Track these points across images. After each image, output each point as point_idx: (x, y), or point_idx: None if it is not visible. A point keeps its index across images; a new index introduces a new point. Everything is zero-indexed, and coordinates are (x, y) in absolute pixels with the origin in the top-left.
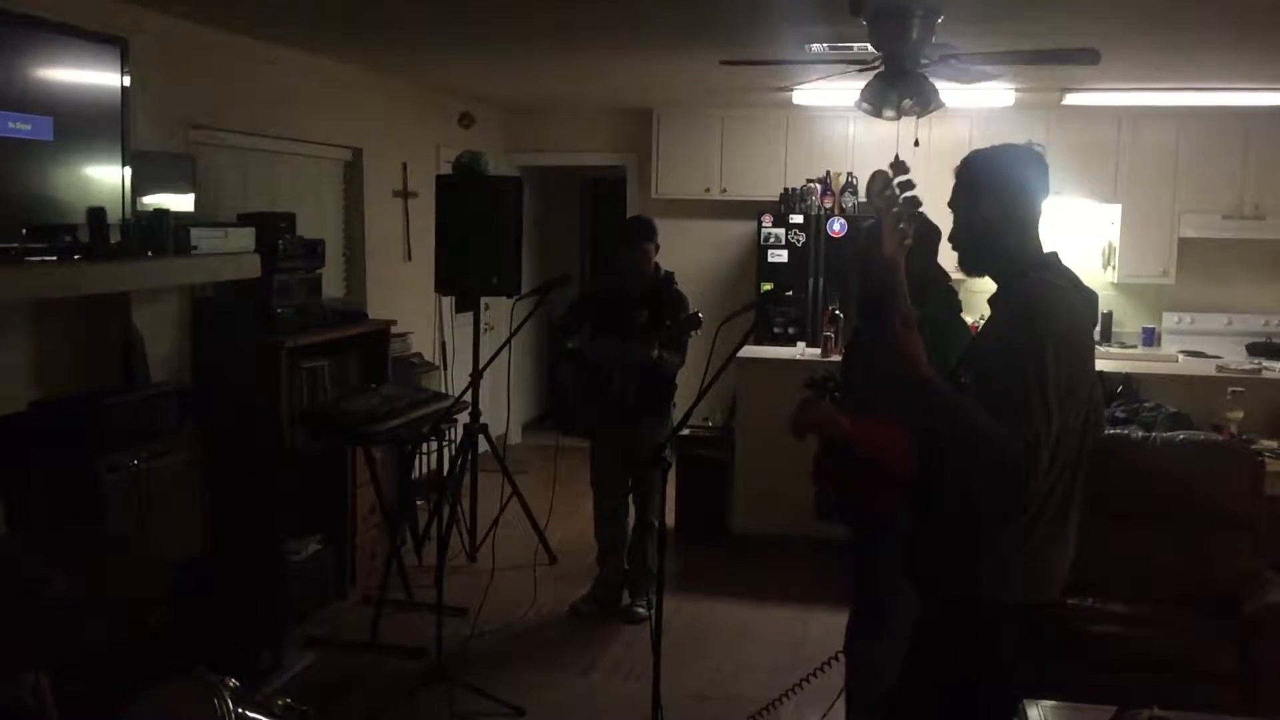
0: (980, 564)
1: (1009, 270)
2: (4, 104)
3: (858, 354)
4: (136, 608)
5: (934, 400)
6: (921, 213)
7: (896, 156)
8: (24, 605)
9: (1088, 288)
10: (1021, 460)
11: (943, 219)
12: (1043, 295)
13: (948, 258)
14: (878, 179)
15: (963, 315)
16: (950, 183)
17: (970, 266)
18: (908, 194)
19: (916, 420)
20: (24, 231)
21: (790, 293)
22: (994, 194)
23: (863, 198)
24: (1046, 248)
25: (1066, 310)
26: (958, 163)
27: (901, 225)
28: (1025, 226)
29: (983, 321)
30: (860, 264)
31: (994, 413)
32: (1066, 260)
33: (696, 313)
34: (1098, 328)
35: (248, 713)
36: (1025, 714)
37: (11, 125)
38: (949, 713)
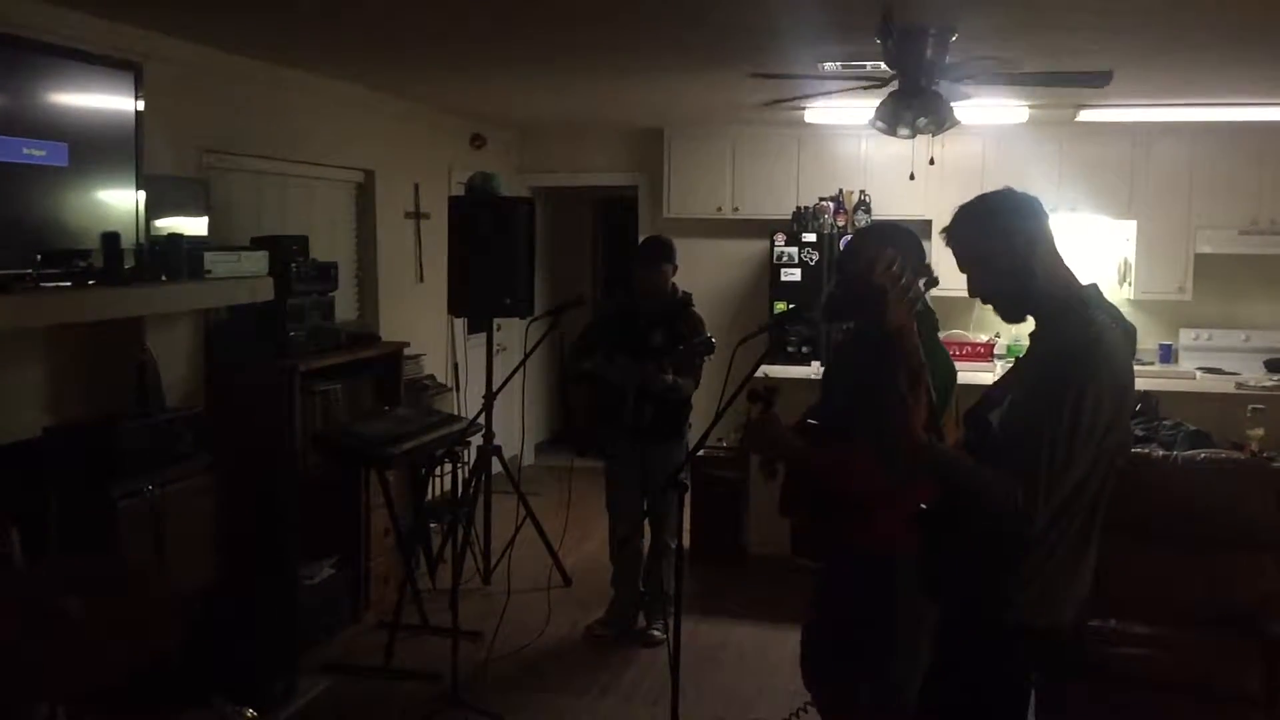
0: (989, 582)
1: (1047, 308)
2: (19, 130)
3: (839, 370)
4: (151, 637)
5: (930, 462)
6: (895, 224)
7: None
8: (39, 635)
9: (1128, 322)
10: (1020, 506)
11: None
12: (1082, 337)
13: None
14: (883, 259)
15: (938, 335)
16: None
17: (1011, 317)
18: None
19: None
20: (38, 257)
21: (810, 315)
22: (1000, 245)
23: (876, 216)
24: (1084, 280)
25: (1106, 353)
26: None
27: (910, 295)
28: (1045, 262)
29: (1010, 349)
30: (840, 273)
31: (1012, 447)
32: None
33: (709, 337)
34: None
35: None
36: None
37: (26, 151)
38: None
